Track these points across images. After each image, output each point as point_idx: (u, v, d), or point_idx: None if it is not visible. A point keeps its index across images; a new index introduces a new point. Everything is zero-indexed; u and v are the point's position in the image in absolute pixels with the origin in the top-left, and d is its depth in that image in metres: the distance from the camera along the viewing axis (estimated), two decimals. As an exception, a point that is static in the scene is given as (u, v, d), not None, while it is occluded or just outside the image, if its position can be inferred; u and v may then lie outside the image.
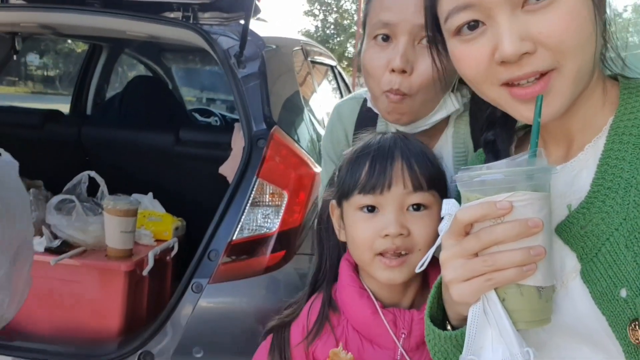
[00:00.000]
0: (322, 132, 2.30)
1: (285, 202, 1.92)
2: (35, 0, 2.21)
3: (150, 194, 2.52)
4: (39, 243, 2.07)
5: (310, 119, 2.44)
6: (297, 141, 2.14)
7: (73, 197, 2.15)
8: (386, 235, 0.97)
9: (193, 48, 2.55)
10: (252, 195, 1.89)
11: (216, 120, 4.70)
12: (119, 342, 1.96)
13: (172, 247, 2.32)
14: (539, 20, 0.64)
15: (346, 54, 22.34)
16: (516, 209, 0.64)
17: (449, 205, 0.73)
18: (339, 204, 1.07)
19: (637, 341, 0.63)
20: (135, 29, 2.19)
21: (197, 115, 4.61)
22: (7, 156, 0.97)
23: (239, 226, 1.88)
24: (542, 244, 0.65)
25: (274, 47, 2.40)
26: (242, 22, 2.16)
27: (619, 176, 0.68)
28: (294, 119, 2.30)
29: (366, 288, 1.06)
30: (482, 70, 0.69)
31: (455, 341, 0.76)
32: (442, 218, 0.74)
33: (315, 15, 23.44)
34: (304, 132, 2.31)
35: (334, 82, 3.62)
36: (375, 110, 1.19)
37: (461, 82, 1.15)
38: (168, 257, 2.34)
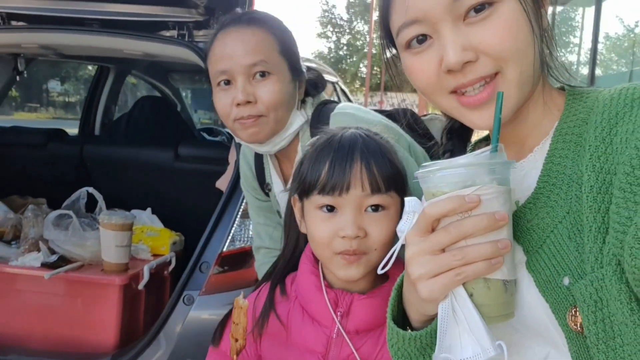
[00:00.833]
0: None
1: (275, 213, 1.91)
2: (36, 22, 2.28)
3: (149, 209, 2.55)
4: (36, 258, 2.09)
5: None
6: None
7: (70, 213, 2.18)
8: (344, 236, 0.99)
9: (199, 68, 2.60)
10: (242, 207, 1.90)
11: (223, 139, 4.76)
12: (112, 356, 1.96)
13: (170, 262, 2.34)
14: (479, 31, 0.69)
15: (359, 74, 22.47)
16: (483, 203, 0.65)
17: (411, 202, 0.73)
18: (300, 199, 1.09)
19: (575, 328, 0.64)
20: (131, 47, 2.25)
21: (205, 135, 4.68)
22: None
23: (230, 237, 1.88)
24: (506, 237, 0.66)
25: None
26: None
27: (562, 172, 0.71)
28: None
29: (318, 268, 1.09)
30: (432, 80, 0.73)
31: (420, 342, 0.76)
32: (403, 216, 0.73)
33: (328, 37, 23.70)
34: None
35: (334, 98, 3.66)
36: (237, 140, 1.44)
37: (303, 101, 1.46)
38: (166, 272, 2.35)
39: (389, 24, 0.78)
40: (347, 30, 23.33)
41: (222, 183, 2.35)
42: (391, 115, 1.58)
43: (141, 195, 2.75)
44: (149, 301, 2.24)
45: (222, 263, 1.87)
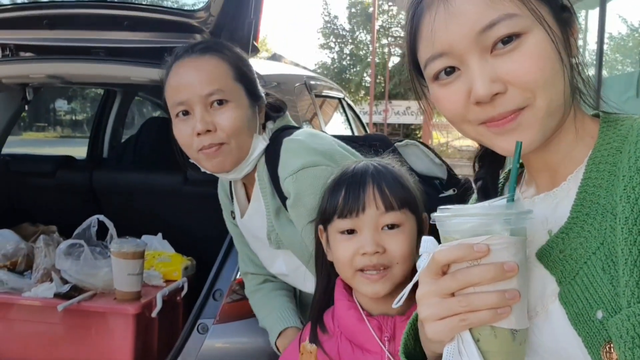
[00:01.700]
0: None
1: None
2: (44, 52, 2.30)
3: (160, 235, 2.54)
4: (49, 289, 2.09)
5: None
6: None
7: (82, 242, 2.18)
8: (364, 253, 1.09)
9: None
10: (254, 233, 1.88)
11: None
12: (127, 386, 1.95)
13: (182, 287, 2.32)
14: (506, 63, 0.69)
15: (363, 84, 22.51)
16: (493, 252, 0.66)
17: (427, 243, 0.74)
18: (325, 229, 1.20)
19: None
20: (138, 74, 2.25)
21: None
22: None
23: (243, 264, 1.86)
24: (516, 287, 0.66)
25: (274, 84, 2.43)
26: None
27: (596, 202, 0.70)
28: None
29: (355, 300, 1.17)
30: (460, 111, 0.74)
31: None
32: (420, 255, 0.75)
33: (331, 48, 23.77)
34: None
35: (342, 114, 3.66)
36: (202, 170, 1.47)
37: (264, 126, 1.47)
38: (178, 298, 2.34)
39: (416, 55, 0.79)
40: (350, 40, 23.40)
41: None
42: (367, 139, 1.63)
43: (151, 220, 2.75)
44: (162, 328, 2.23)
45: (237, 291, 1.86)
